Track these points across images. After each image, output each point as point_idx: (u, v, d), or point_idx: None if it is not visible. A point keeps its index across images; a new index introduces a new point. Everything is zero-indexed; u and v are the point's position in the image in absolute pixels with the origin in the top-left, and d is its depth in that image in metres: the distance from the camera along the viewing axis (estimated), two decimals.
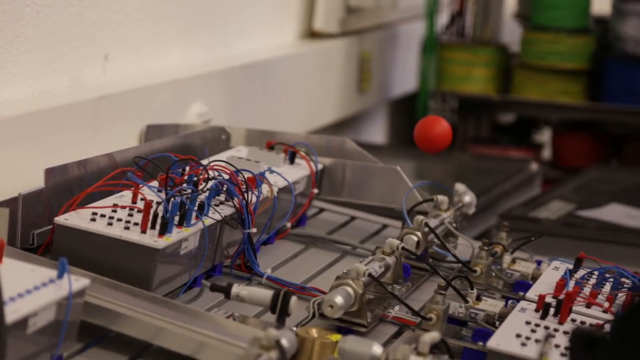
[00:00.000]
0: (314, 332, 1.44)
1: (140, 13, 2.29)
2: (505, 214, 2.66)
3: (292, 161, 2.02)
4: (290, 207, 1.92)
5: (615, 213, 2.71)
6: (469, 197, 2.06)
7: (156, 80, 2.30)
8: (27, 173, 1.82)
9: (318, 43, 3.10)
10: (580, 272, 1.72)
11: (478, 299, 1.67)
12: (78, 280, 1.32)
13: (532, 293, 1.63)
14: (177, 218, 1.58)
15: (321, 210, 2.18)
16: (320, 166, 2.07)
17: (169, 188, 1.63)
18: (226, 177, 1.72)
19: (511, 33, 4.03)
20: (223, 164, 1.75)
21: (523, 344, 1.43)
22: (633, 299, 1.55)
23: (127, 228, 1.55)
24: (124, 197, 1.65)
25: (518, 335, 1.45)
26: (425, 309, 1.58)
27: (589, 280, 1.69)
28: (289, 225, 1.96)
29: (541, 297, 1.53)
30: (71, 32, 2.09)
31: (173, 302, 1.46)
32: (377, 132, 3.87)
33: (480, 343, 1.54)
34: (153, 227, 1.55)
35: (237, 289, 1.49)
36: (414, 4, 3.83)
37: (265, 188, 1.79)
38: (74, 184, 1.73)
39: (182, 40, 2.47)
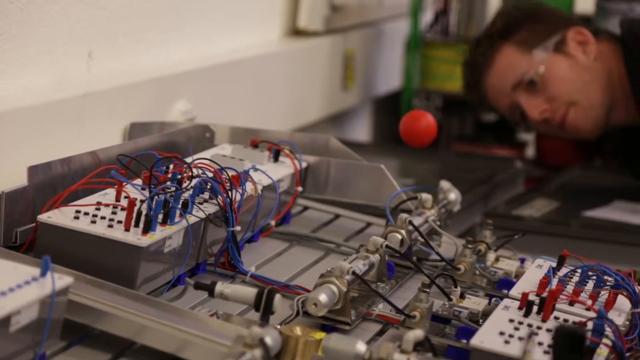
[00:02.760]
0: (298, 330, 1.44)
1: (125, 10, 2.28)
2: (489, 211, 2.66)
3: (276, 159, 2.02)
4: (274, 205, 1.92)
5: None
6: (454, 195, 2.06)
7: (140, 78, 2.29)
8: (10, 171, 1.82)
9: (302, 41, 3.10)
10: (563, 270, 1.72)
11: (462, 296, 1.67)
12: (61, 279, 1.32)
13: (515, 291, 1.63)
14: (161, 216, 1.58)
15: (305, 208, 2.18)
16: (304, 164, 2.06)
17: (152, 186, 1.63)
18: (210, 175, 1.72)
19: None
20: (207, 161, 1.75)
21: (506, 342, 1.43)
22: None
23: (110, 226, 1.55)
24: (108, 195, 1.65)
25: (501, 333, 1.45)
26: (409, 307, 1.58)
27: (572, 278, 1.69)
28: (273, 223, 1.96)
29: (524, 295, 1.54)
30: (55, 29, 2.08)
31: (157, 300, 1.46)
32: (361, 130, 3.86)
33: (464, 341, 1.54)
34: (137, 225, 1.55)
35: (221, 286, 1.49)
36: (398, 2, 3.83)
37: (249, 186, 1.79)
38: (57, 182, 1.73)
39: (166, 37, 2.46)
